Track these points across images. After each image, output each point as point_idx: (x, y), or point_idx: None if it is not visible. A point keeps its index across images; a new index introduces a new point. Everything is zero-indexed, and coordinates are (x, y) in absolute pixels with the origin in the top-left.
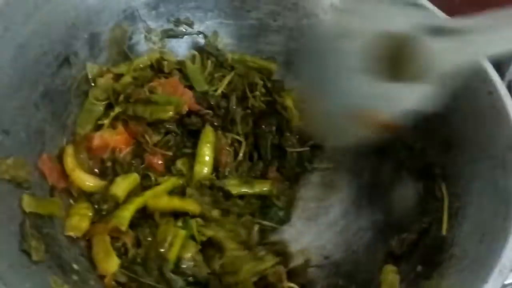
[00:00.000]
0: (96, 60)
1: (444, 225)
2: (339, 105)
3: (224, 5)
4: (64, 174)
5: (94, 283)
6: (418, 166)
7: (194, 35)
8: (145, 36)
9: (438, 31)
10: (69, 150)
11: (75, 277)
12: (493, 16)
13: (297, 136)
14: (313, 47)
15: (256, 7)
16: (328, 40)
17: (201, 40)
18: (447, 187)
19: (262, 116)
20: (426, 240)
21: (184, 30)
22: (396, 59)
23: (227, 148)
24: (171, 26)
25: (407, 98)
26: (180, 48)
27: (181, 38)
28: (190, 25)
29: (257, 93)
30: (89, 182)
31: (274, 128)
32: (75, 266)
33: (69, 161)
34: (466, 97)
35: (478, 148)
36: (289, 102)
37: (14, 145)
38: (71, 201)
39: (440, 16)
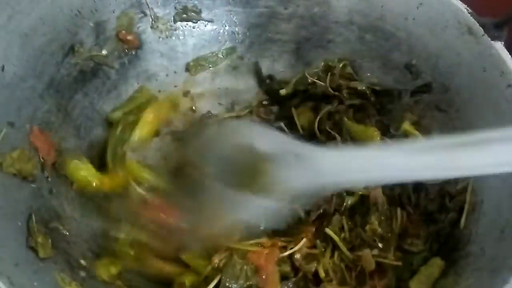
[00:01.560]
0: (102, 49)
1: (463, 220)
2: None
3: None
4: (53, 148)
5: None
6: None
7: (202, 23)
8: (152, 25)
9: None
10: None
11: (82, 274)
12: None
13: None
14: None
15: None
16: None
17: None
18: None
19: None
20: (441, 238)
21: (191, 18)
22: (249, 172)
23: None
24: (178, 14)
25: (253, 209)
26: (187, 46)
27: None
28: (198, 13)
29: None
30: None
31: None
32: (82, 262)
33: None
34: (484, 90)
35: None
36: (408, 127)
37: (20, 138)
38: None
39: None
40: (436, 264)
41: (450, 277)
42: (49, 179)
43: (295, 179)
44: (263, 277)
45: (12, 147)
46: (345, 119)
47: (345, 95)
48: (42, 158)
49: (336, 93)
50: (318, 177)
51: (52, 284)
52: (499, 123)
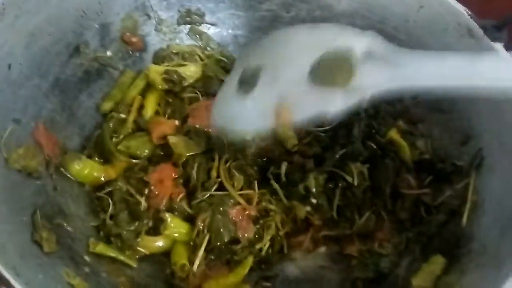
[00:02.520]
0: (107, 50)
1: (464, 218)
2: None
3: None
4: (58, 147)
5: (105, 275)
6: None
7: (205, 26)
8: (156, 27)
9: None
10: None
11: (86, 269)
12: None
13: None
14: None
15: None
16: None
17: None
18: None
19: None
20: (444, 235)
21: (195, 21)
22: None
23: None
24: (182, 17)
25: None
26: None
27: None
28: (201, 16)
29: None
30: None
31: None
32: (86, 258)
33: None
34: None
35: (497, 142)
36: (394, 135)
37: (25, 135)
38: None
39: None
40: (438, 261)
41: (452, 274)
42: (54, 176)
43: (379, 79)
44: (242, 228)
45: (17, 144)
46: None
47: None
48: (48, 156)
49: None
50: (400, 81)
51: (57, 277)
52: (500, 121)
